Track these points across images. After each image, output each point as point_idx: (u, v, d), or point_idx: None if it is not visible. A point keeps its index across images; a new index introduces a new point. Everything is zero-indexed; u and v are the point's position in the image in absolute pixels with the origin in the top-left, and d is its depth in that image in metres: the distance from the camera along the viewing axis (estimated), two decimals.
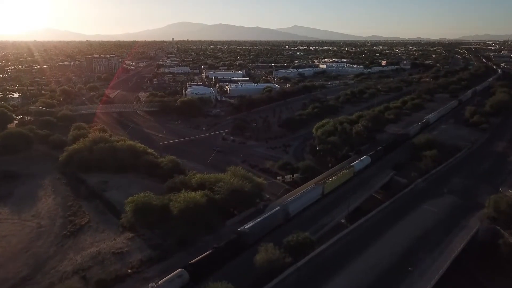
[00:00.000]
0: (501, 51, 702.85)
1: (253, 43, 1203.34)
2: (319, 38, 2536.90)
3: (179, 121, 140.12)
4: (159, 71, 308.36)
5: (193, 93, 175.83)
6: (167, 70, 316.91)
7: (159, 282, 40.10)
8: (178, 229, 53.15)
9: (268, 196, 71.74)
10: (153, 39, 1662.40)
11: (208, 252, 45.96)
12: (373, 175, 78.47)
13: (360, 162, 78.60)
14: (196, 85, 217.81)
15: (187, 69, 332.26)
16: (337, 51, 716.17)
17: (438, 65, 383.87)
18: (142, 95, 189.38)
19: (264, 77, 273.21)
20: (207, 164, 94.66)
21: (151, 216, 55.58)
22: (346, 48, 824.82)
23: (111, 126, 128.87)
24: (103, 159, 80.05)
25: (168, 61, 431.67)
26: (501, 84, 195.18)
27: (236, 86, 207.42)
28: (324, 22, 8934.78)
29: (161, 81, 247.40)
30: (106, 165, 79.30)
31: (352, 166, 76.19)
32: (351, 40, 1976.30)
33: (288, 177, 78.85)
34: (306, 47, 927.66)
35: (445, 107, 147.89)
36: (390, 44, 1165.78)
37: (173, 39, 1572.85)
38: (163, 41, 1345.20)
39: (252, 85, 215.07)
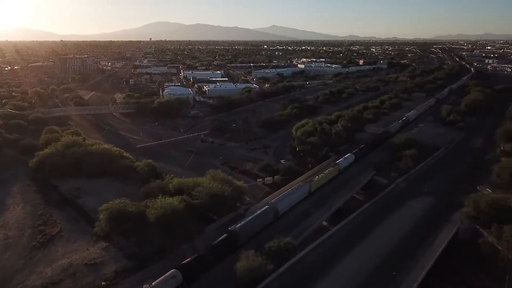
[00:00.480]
0: (473, 51, 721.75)
1: (231, 43, 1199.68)
2: (297, 38, 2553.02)
3: (156, 123, 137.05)
4: (136, 72, 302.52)
5: (170, 94, 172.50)
6: (144, 70, 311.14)
7: (153, 283, 39.58)
8: (155, 237, 51.08)
9: (248, 199, 70.34)
10: (129, 39, 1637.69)
11: (200, 252, 45.96)
12: (354, 175, 78.02)
13: (345, 160, 79.75)
14: (174, 85, 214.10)
15: (165, 69, 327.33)
16: (315, 50, 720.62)
17: (414, 64, 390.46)
18: (118, 97, 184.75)
19: (243, 77, 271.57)
20: (186, 167, 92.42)
21: (126, 224, 53.28)
22: (324, 48, 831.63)
23: (85, 129, 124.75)
24: (76, 164, 76.96)
25: (145, 61, 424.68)
26: (475, 83, 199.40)
27: (214, 87, 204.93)
28: (302, 22, 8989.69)
29: (137, 82, 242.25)
30: (80, 170, 76.26)
31: (337, 164, 77.17)
32: (328, 40, 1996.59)
33: (269, 179, 77.52)
34: (284, 47, 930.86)
35: (423, 105, 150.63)
36: (367, 44, 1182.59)
37: (150, 39, 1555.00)
38: (140, 41, 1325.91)
39: (231, 86, 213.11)
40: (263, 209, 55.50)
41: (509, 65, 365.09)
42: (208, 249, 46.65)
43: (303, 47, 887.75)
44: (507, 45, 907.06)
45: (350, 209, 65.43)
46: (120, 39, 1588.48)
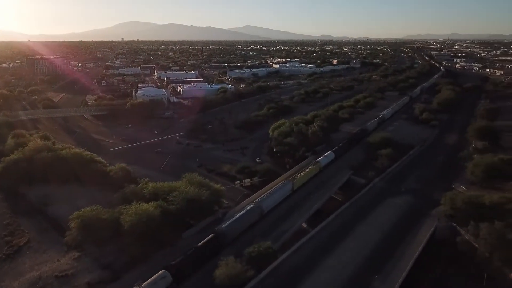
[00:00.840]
0: (442, 50, 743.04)
1: (205, 43, 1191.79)
2: (271, 38, 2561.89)
3: (130, 125, 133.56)
4: (107, 73, 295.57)
5: (144, 95, 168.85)
6: (117, 71, 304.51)
7: (143, 284, 39.13)
8: (130, 245, 49.11)
9: (227, 203, 69.02)
10: (101, 39, 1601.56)
11: (188, 252, 45.63)
12: (331, 175, 77.92)
13: (325, 157, 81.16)
14: (148, 86, 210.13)
15: (138, 70, 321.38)
16: (289, 50, 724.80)
17: (386, 64, 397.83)
18: (90, 98, 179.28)
19: (218, 78, 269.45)
20: (161, 170, 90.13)
21: (99, 232, 50.99)
22: (298, 48, 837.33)
23: (55, 132, 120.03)
24: (46, 170, 73.45)
25: (118, 62, 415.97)
26: (445, 82, 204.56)
27: (189, 87, 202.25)
28: (276, 22, 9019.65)
29: (110, 83, 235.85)
30: (49, 177, 72.80)
31: (319, 162, 78.25)
32: (302, 40, 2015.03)
33: (247, 181, 76.38)
34: (258, 46, 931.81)
35: (398, 103, 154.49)
36: (340, 44, 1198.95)
37: (122, 39, 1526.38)
38: (112, 41, 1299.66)
39: (206, 86, 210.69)
40: (248, 208, 55.49)
41: (476, 64, 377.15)
42: (196, 249, 46.38)
43: (277, 47, 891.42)
44: (473, 45, 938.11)
45: (329, 210, 65.23)
46: (91, 39, 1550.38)
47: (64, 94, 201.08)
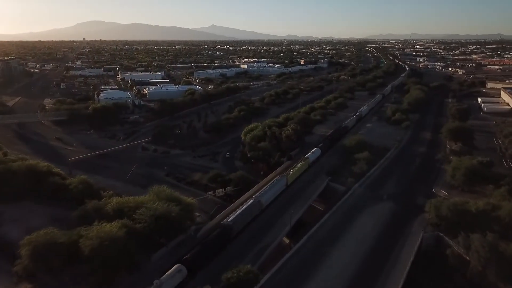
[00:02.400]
0: (404, 50, 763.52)
1: (171, 43, 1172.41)
2: (237, 38, 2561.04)
3: (92, 131, 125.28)
4: (68, 74, 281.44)
5: (107, 98, 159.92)
6: (78, 72, 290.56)
7: (161, 278, 40.17)
8: (91, 272, 43.29)
9: (199, 215, 64.05)
10: (61, 39, 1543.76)
11: (199, 246, 47.44)
12: (308, 181, 74.43)
13: (312, 154, 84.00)
14: (111, 88, 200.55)
15: (100, 71, 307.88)
16: (256, 50, 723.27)
17: (353, 63, 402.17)
18: (48, 102, 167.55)
19: (185, 78, 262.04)
20: (127, 180, 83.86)
21: (56, 259, 44.70)
22: (265, 48, 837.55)
23: (8, 141, 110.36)
24: None
25: (79, 62, 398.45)
26: (413, 81, 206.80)
27: (155, 89, 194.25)
28: (242, 22, 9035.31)
29: (70, 86, 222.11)
30: None
31: (307, 157, 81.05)
32: (268, 40, 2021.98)
33: (220, 191, 71.44)
34: (225, 46, 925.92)
35: (372, 101, 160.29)
36: (306, 43, 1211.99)
37: (84, 39, 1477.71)
38: (73, 41, 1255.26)
39: (172, 87, 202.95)
40: (249, 202, 57.87)
41: (439, 63, 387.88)
42: (206, 243, 48.30)
43: (244, 47, 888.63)
44: (433, 45, 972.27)
45: (309, 220, 61.78)
46: (50, 39, 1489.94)
47: (19, 97, 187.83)
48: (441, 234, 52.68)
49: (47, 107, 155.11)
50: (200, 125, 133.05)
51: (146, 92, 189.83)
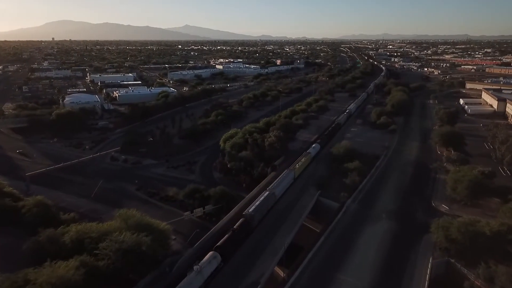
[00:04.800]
0: (378, 50, 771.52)
1: (143, 43, 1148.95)
2: (211, 38, 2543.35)
3: (55, 139, 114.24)
4: (32, 76, 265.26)
5: (73, 102, 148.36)
6: (43, 74, 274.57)
7: (199, 263, 41.64)
8: None
9: (175, 238, 56.00)
10: (29, 39, 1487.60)
11: (228, 234, 48.85)
12: (297, 194, 67.26)
13: (313, 149, 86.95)
14: (79, 92, 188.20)
15: (68, 72, 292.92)
16: (231, 50, 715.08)
17: (329, 63, 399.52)
18: (8, 107, 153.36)
19: (158, 80, 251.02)
20: (93, 197, 74.54)
21: None
22: (240, 48, 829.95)
23: None
24: None
25: (45, 63, 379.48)
26: (393, 82, 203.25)
27: (126, 92, 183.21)
28: (216, 22, 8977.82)
29: (33, 89, 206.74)
30: None
31: (309, 152, 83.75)
32: (242, 40, 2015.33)
33: (198, 211, 63.19)
34: (199, 46, 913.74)
35: (359, 99, 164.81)
36: (280, 44, 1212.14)
37: (53, 38, 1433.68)
38: (41, 41, 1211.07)
39: (145, 90, 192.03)
40: (265, 194, 59.82)
41: (414, 63, 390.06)
42: (234, 231, 49.48)
43: (219, 47, 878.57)
44: (405, 45, 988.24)
45: (302, 242, 54.70)
46: (17, 39, 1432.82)
47: None
48: (452, 260, 46.45)
49: (6, 113, 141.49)
50: (175, 131, 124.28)
51: (116, 95, 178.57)
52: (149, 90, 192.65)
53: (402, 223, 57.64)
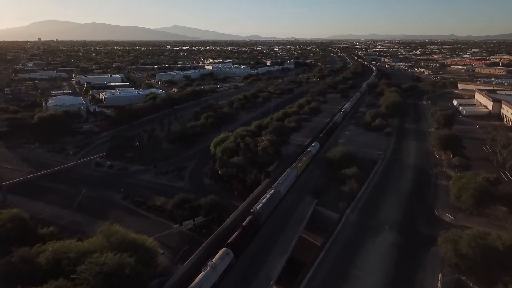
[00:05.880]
0: (367, 50, 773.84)
1: (132, 43, 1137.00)
2: (200, 38, 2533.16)
3: (37, 144, 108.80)
4: (16, 77, 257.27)
5: (56, 105, 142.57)
6: (28, 75, 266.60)
7: (213, 260, 41.92)
8: None
9: (163, 253, 52.00)
10: (15, 39, 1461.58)
11: (238, 231, 49.17)
12: (293, 207, 63.40)
13: (313, 147, 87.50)
14: (63, 94, 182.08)
15: (54, 73, 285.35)
16: (221, 51, 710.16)
17: (320, 64, 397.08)
18: None
19: (146, 81, 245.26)
20: (75, 208, 69.95)
21: None
22: (229, 48, 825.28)
23: None
24: None
25: (30, 64, 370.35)
26: (385, 83, 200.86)
27: (112, 94, 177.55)
28: (205, 22, 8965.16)
29: (15, 91, 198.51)
30: None
31: (310, 151, 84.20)
32: (232, 40, 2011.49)
33: (188, 223, 59.08)
34: (188, 47, 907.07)
35: (353, 98, 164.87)
36: (269, 44, 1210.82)
37: (39, 38, 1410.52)
38: (27, 41, 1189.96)
39: (132, 92, 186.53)
40: (271, 192, 60.05)
41: (404, 63, 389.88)
42: (243, 228, 49.97)
43: (208, 47, 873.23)
44: (393, 45, 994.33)
45: (299, 257, 51.13)
46: (1, 39, 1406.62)
47: None
48: (463, 278, 43.09)
49: None
50: (163, 134, 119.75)
51: (103, 97, 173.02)
52: (137, 91, 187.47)
53: (406, 234, 54.22)
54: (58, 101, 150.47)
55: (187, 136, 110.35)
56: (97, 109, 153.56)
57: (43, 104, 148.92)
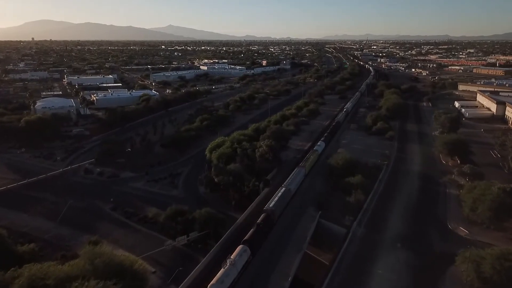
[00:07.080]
0: (363, 50, 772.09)
1: (126, 43, 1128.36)
2: (195, 38, 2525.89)
3: (23, 149, 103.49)
4: (6, 78, 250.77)
5: (45, 107, 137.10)
6: (18, 76, 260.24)
7: (231, 256, 42.58)
8: None
9: (154, 271, 47.73)
10: (7, 39, 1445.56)
11: (254, 229, 49.72)
12: (295, 221, 58.89)
13: (319, 146, 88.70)
14: (53, 95, 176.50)
15: (45, 74, 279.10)
16: (216, 51, 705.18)
17: (316, 64, 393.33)
18: None
19: (140, 81, 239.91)
20: (60, 220, 65.07)
21: None
22: (224, 48, 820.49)
23: None
24: None
25: (22, 64, 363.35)
26: (384, 84, 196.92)
27: (104, 95, 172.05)
28: (200, 22, 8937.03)
29: (3, 92, 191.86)
30: None
31: (316, 150, 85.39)
32: (227, 40, 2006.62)
33: (182, 239, 54.43)
34: (183, 47, 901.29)
35: (354, 98, 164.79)
36: (265, 44, 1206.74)
37: (32, 38, 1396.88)
38: (20, 41, 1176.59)
39: (125, 93, 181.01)
40: (282, 191, 60.78)
41: (400, 64, 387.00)
42: (258, 226, 50.50)
43: (203, 47, 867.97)
44: (388, 45, 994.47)
45: (305, 276, 46.86)
46: None
47: None
48: None
49: None
50: (156, 138, 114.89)
51: (94, 99, 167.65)
52: (130, 93, 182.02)
53: (419, 252, 49.72)
54: (47, 103, 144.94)
55: (181, 140, 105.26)
56: (88, 112, 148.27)
57: (31, 107, 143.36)
